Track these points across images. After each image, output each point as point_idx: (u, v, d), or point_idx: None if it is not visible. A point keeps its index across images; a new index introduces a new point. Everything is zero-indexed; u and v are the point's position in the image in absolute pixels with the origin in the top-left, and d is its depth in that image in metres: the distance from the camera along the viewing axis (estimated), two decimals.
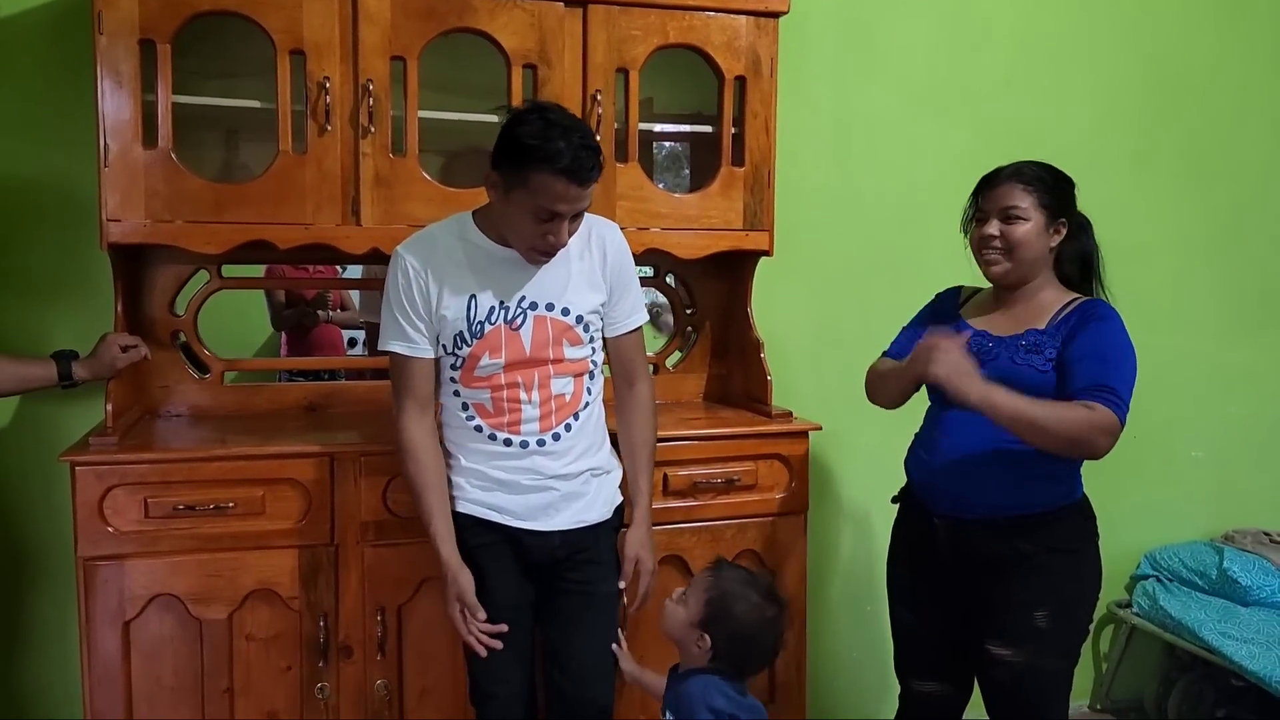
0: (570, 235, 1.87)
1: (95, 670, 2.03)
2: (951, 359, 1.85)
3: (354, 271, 2.71)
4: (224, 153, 2.49)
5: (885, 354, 2.24)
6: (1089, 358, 1.89)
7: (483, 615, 1.91)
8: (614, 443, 2.10)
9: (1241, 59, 3.22)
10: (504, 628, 1.92)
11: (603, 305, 2.00)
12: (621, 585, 2.03)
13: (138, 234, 2.12)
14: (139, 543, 2.02)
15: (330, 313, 2.95)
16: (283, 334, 2.90)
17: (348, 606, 2.12)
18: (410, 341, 1.93)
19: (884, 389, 2.13)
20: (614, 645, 2.03)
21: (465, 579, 1.91)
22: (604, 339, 2.05)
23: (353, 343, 3.01)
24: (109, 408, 2.12)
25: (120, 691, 2.04)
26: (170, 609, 2.05)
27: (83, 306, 2.39)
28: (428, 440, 1.96)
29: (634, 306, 2.06)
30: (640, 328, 2.08)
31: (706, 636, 1.85)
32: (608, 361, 2.10)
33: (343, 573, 2.12)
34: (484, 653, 1.91)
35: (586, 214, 2.01)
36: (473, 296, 1.91)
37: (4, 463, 2.42)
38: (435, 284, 1.91)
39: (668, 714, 1.91)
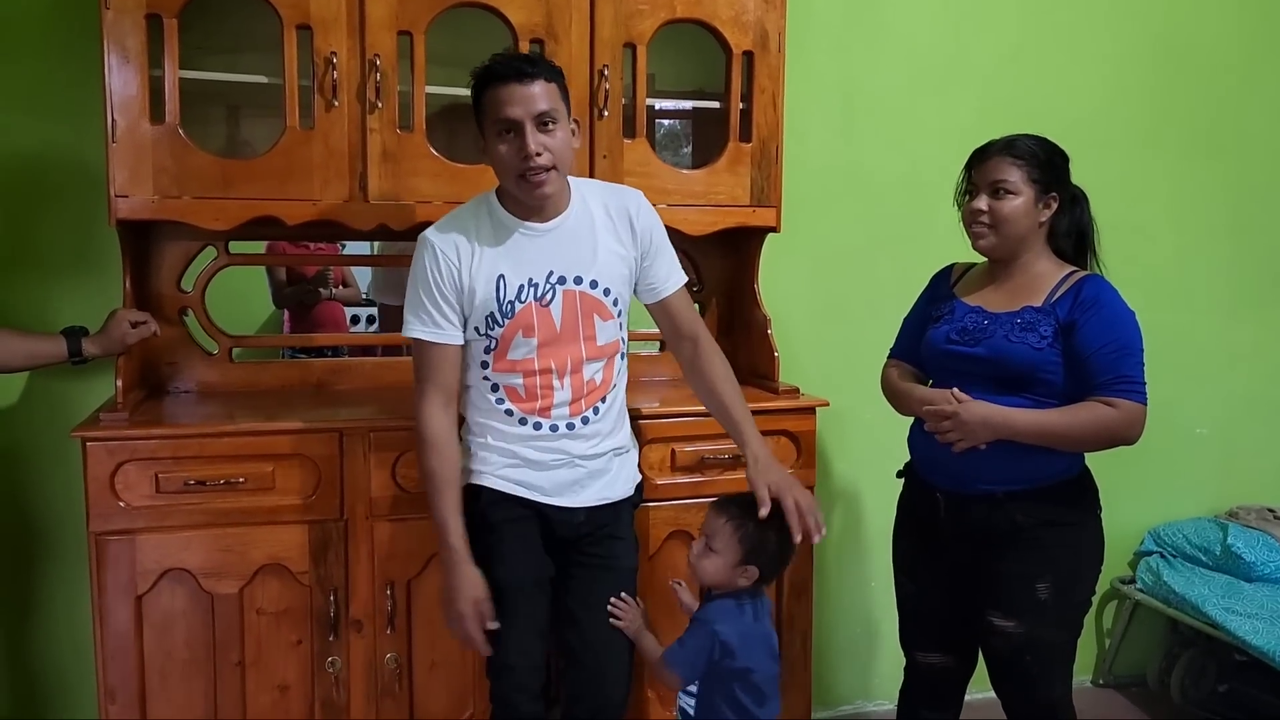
0: (549, 149, 1.83)
1: (108, 644, 2.04)
2: (968, 427, 1.93)
3: (360, 248, 2.70)
4: (226, 128, 2.49)
5: (892, 353, 2.25)
6: (1100, 351, 1.91)
7: (494, 625, 1.91)
8: (633, 426, 2.12)
9: (1250, 35, 3.20)
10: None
11: (631, 272, 2.00)
12: (763, 513, 1.90)
13: (146, 210, 2.12)
14: (150, 518, 2.03)
15: (332, 290, 2.94)
16: (285, 312, 2.90)
17: (357, 581, 2.14)
18: (437, 327, 1.91)
19: (900, 409, 2.16)
20: (613, 600, 2.00)
21: (483, 586, 1.90)
22: (652, 307, 2.07)
23: (355, 320, 3.01)
24: (119, 384, 2.13)
25: (133, 664, 2.06)
26: (182, 583, 2.07)
27: (91, 283, 2.39)
28: (450, 434, 1.93)
29: (672, 266, 2.07)
30: (684, 286, 2.09)
31: (752, 568, 1.94)
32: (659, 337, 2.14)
33: (352, 548, 2.13)
34: (489, 652, 1.92)
35: (608, 184, 2.04)
36: (501, 276, 1.90)
37: (15, 439, 2.43)
38: (464, 266, 1.90)
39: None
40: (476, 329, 1.93)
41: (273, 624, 2.12)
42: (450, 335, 1.92)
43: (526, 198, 1.89)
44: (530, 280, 1.91)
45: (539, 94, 1.81)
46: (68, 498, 2.38)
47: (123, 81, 2.07)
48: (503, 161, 1.86)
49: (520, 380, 1.93)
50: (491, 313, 1.91)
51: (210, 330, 2.45)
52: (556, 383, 1.93)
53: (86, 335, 2.15)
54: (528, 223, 1.92)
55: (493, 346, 1.93)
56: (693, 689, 2.00)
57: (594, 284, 1.95)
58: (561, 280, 1.92)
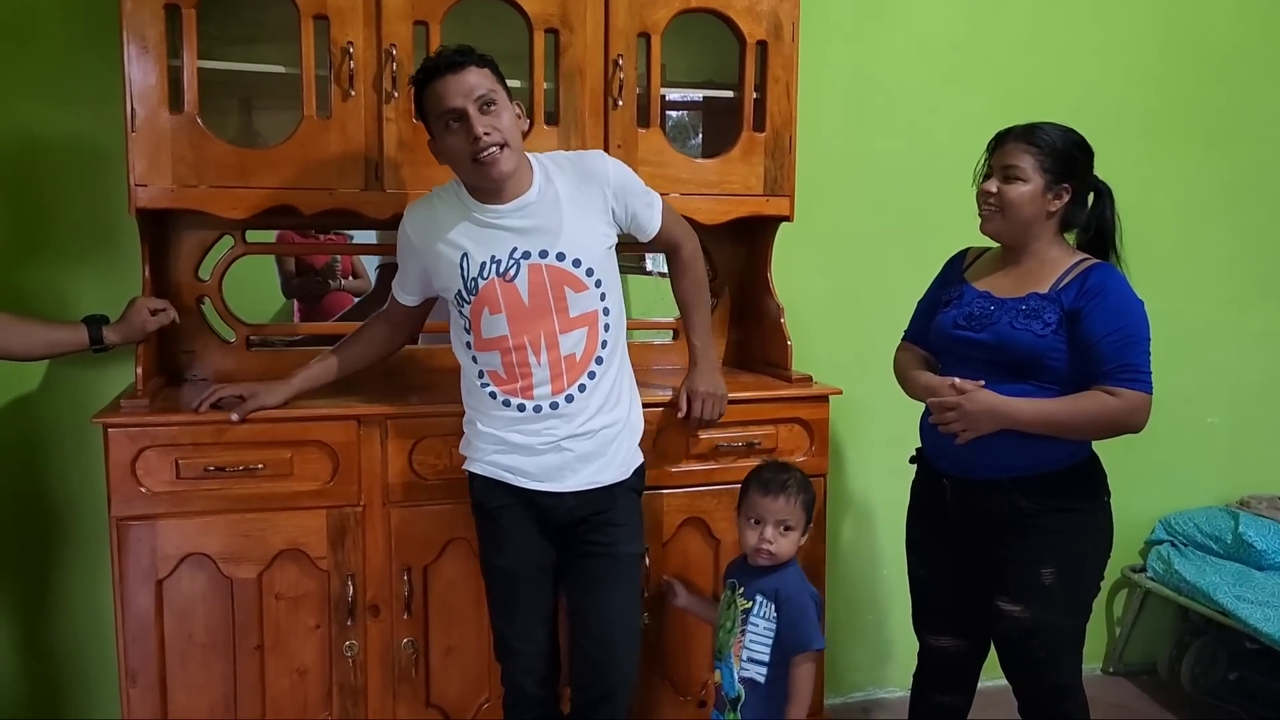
0: (496, 128, 1.85)
1: (129, 627, 2.07)
2: (973, 417, 1.96)
3: (370, 237, 2.71)
4: (239, 119, 2.50)
5: (905, 337, 2.27)
6: (1105, 340, 1.92)
7: (237, 418, 2.04)
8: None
9: (1262, 23, 3.19)
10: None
11: (609, 239, 2.01)
12: (680, 415, 2.21)
13: (164, 199, 2.14)
14: (171, 503, 2.05)
15: (341, 281, 2.95)
16: (295, 302, 2.91)
17: (374, 567, 2.16)
18: (398, 284, 2.12)
19: (908, 393, 2.18)
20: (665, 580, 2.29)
21: (267, 397, 2.08)
22: (650, 244, 2.13)
23: None
24: (139, 370, 2.15)
25: (153, 648, 2.09)
26: (201, 568, 2.09)
27: (110, 271, 2.41)
28: (367, 336, 2.20)
29: (650, 205, 2.08)
30: (662, 213, 2.11)
31: (809, 529, 2.17)
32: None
33: (369, 533, 2.15)
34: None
35: (569, 153, 2.06)
36: (465, 255, 1.94)
37: (37, 426, 2.46)
38: (428, 247, 1.97)
39: (759, 598, 2.10)
40: (453, 305, 1.98)
41: (291, 609, 2.14)
42: (402, 295, 2.12)
43: (484, 181, 1.90)
44: (493, 257, 1.93)
45: (474, 80, 1.86)
46: (88, 484, 2.41)
47: (142, 71, 2.09)
48: (454, 152, 1.89)
49: (499, 359, 1.95)
50: (459, 290, 1.95)
51: (227, 319, 2.47)
52: (533, 359, 1.94)
53: (107, 323, 2.17)
54: (490, 206, 1.94)
55: (469, 326, 1.97)
56: (761, 657, 2.07)
57: (561, 256, 1.94)
58: (526, 255, 1.93)
